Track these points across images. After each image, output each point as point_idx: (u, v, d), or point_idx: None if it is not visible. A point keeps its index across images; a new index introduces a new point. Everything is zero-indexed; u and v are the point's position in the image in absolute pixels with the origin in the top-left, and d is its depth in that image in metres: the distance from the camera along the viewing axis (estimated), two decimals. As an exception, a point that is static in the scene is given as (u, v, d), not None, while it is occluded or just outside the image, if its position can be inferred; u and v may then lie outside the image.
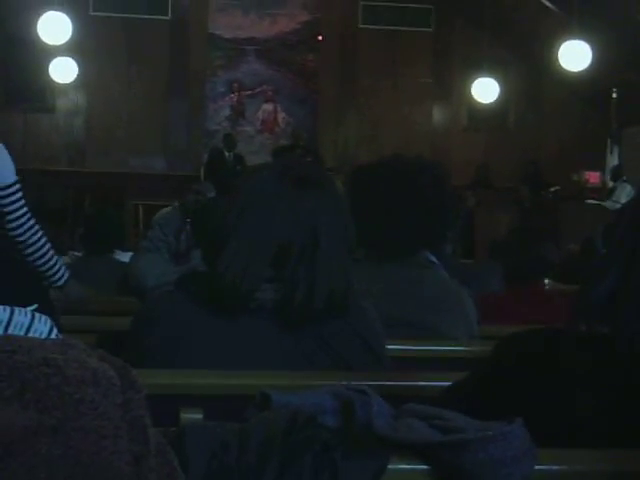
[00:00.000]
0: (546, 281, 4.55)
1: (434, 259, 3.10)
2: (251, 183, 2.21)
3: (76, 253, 6.44)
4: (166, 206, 5.04)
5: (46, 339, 1.52)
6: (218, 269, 2.08)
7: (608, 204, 13.07)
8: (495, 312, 3.87)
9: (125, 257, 5.96)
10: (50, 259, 4.23)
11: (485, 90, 14.87)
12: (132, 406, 1.00)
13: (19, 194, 4.08)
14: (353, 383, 1.65)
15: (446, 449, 1.37)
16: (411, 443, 1.40)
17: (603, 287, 1.56)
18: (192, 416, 1.83)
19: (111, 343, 2.56)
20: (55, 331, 2.01)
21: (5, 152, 4.05)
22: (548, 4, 14.34)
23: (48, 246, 4.21)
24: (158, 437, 1.07)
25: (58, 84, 15.51)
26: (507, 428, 1.36)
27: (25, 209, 4.10)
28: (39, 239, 4.16)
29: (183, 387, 2.03)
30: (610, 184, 14.63)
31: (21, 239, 4.12)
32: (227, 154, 15.14)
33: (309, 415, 1.42)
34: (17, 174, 4.08)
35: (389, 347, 2.32)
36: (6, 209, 4.07)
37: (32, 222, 4.12)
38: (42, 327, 1.98)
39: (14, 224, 4.09)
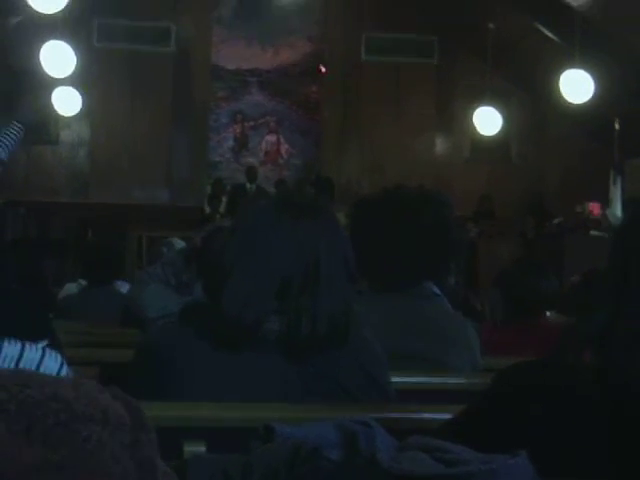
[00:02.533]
0: (548, 313, 4.54)
1: (437, 290, 3.09)
2: (249, 215, 2.22)
3: (83, 282, 6.47)
4: (167, 237, 5.05)
5: (59, 376, 1.51)
6: (221, 302, 2.08)
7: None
8: (498, 344, 3.86)
9: (125, 288, 5.98)
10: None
11: (487, 121, 14.88)
12: (141, 446, 0.98)
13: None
14: (357, 415, 1.64)
15: (450, 482, 1.36)
16: (415, 476, 1.39)
17: (594, 321, 1.57)
18: (195, 449, 1.82)
19: (114, 375, 2.56)
20: (65, 367, 2.00)
21: None
22: (550, 35, 14.39)
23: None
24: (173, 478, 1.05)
25: (61, 116, 15.53)
26: (511, 461, 1.35)
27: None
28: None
29: (186, 419, 2.02)
30: (618, 215, 14.54)
31: None
32: (249, 186, 15.15)
33: (312, 447, 1.41)
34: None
35: (392, 379, 2.31)
36: None
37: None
38: (53, 363, 1.97)
39: None
